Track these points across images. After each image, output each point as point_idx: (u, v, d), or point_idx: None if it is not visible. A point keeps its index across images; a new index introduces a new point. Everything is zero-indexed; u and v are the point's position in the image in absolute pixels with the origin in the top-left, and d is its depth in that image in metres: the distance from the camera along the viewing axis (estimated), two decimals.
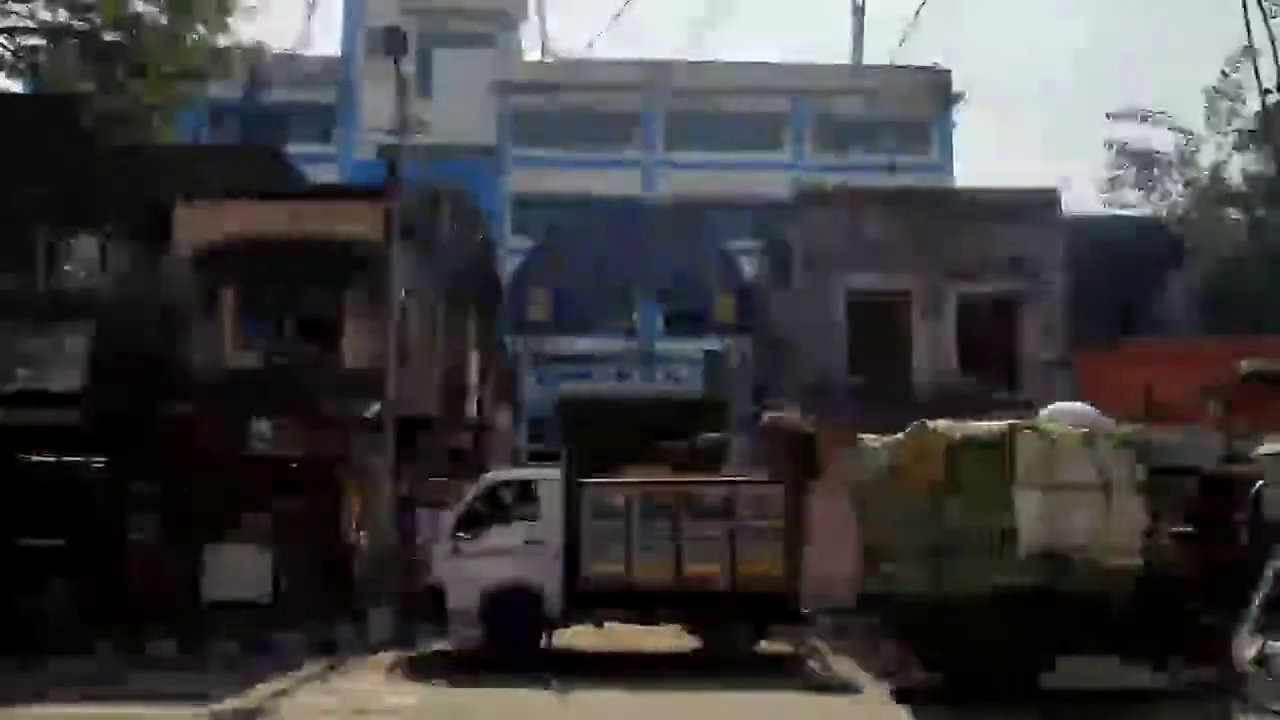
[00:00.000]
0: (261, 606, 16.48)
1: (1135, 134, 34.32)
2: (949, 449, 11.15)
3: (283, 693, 11.21)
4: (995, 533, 10.77)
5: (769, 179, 33.84)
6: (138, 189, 19.10)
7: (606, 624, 14.15)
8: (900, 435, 11.76)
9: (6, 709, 9.99)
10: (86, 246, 16.64)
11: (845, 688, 12.22)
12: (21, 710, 10.04)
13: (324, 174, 33.92)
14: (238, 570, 16.59)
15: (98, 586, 16.13)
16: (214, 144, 27.76)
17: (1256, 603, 5.40)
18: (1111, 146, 29.39)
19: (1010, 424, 11.27)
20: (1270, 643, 4.97)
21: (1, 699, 10.23)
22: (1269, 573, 5.66)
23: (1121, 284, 22.03)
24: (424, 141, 21.17)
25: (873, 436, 12.87)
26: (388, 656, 13.76)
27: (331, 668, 12.93)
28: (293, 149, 25.96)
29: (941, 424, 11.55)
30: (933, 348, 19.02)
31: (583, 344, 38.70)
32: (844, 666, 13.35)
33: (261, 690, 11.19)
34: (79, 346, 16.61)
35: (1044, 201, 19.64)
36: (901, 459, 11.71)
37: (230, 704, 10.42)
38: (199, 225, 17.73)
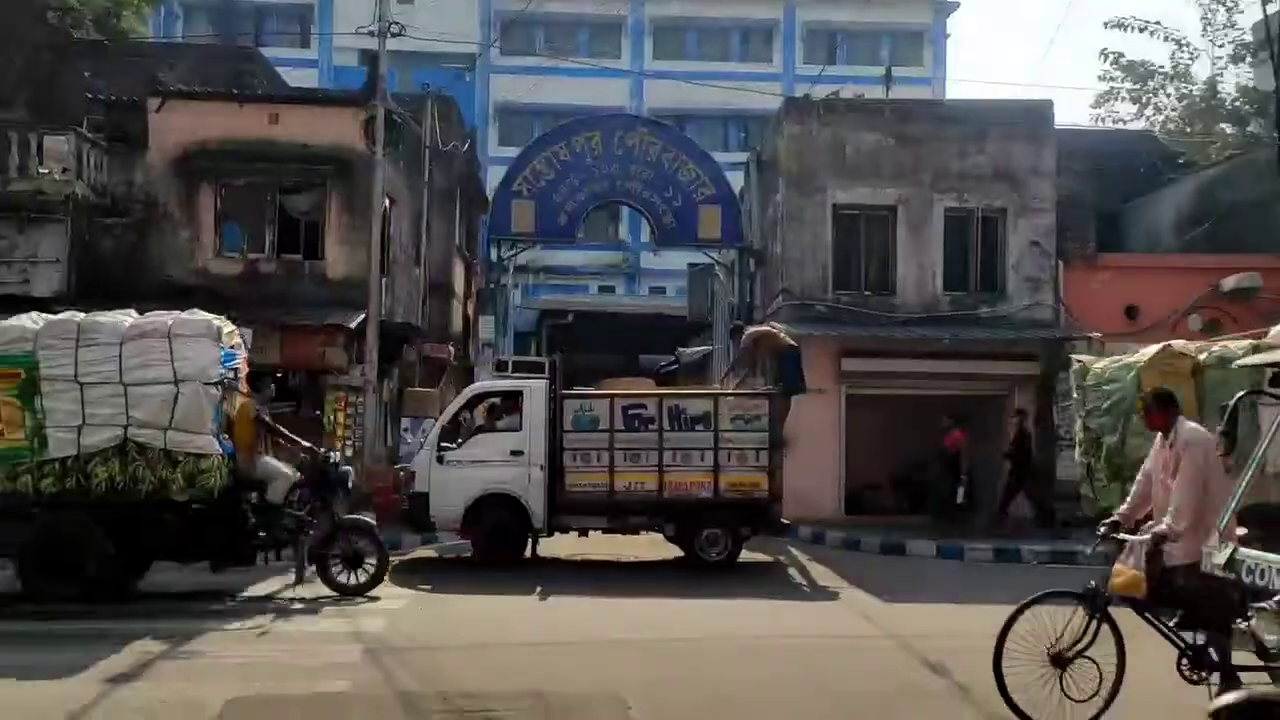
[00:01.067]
0: None
1: (1131, 45, 33.55)
2: (1196, 369, 10.80)
3: (272, 595, 11.33)
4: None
5: (759, 91, 33.34)
6: (110, 87, 18.72)
7: (589, 533, 14.33)
8: (1141, 353, 11.38)
9: None
10: (59, 145, 16.29)
11: (823, 595, 12.42)
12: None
13: (303, 79, 33.31)
14: None
15: None
16: (188, 42, 27.05)
17: (1230, 509, 5.48)
18: (1106, 57, 28.96)
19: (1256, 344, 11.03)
20: (1240, 549, 5.05)
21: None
22: (1241, 482, 5.72)
23: (1110, 196, 21.98)
24: (406, 49, 20.69)
25: (1084, 356, 12.61)
26: None
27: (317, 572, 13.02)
28: (269, 53, 25.38)
29: (1186, 344, 11.20)
30: (919, 262, 18.96)
31: (567, 256, 38.63)
32: (822, 575, 13.56)
33: (251, 591, 11.30)
34: (58, 250, 16.44)
35: (1035, 114, 19.42)
36: (1148, 379, 11.31)
37: (217, 605, 10.53)
38: (175, 126, 17.40)
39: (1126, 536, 6.52)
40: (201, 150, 17.41)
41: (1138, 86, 29.76)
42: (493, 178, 26.85)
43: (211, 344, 10.42)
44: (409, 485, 13.95)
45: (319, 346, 16.72)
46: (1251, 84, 26.66)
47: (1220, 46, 28.54)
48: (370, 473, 15.81)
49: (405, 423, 18.05)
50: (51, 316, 10.72)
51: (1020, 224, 18.99)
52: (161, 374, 10.15)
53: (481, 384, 16.04)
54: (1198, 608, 6.17)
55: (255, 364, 16.71)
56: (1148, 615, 6.39)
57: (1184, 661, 6.28)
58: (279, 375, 18.09)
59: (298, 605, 10.83)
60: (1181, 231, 21.38)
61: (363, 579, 11.14)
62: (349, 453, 16.67)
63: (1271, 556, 4.96)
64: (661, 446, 13.62)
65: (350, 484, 12.01)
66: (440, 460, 13.72)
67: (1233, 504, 5.61)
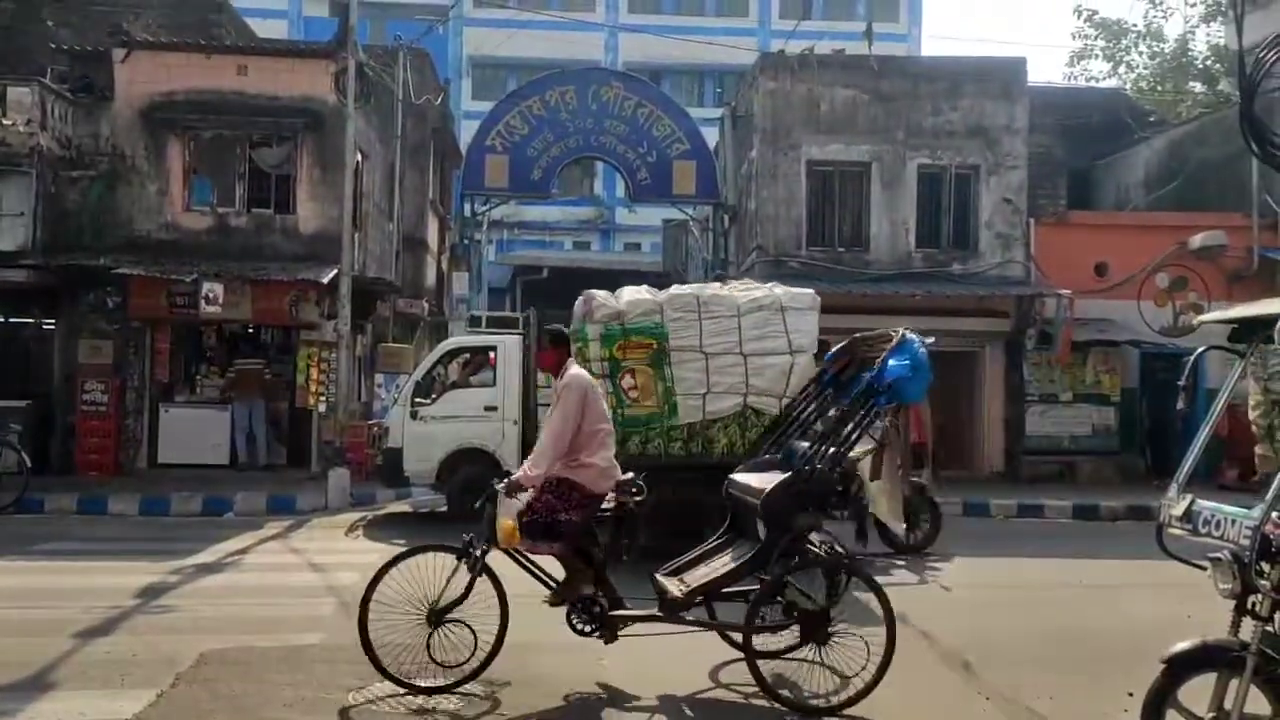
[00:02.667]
0: (219, 469, 16.64)
1: (1104, 3, 33.52)
2: None
3: (244, 551, 11.38)
4: None
5: (735, 46, 33.13)
6: (74, 37, 18.40)
7: None
8: None
9: None
10: (23, 96, 16.02)
11: None
12: None
13: (272, 29, 32.80)
14: (194, 433, 16.65)
15: (49, 448, 16.16)
16: None
17: (1188, 463, 5.59)
18: (1080, 14, 29.01)
19: None
20: (1197, 500, 5.16)
21: None
22: (1200, 436, 5.83)
23: (1081, 154, 22.11)
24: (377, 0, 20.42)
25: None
26: (349, 517, 13.95)
27: (292, 528, 13.09)
28: (238, 2, 24.93)
29: None
30: (892, 218, 19.03)
31: (541, 212, 38.48)
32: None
33: (223, 548, 11.34)
34: (23, 203, 16.22)
35: (1008, 72, 19.43)
36: None
37: (193, 560, 10.56)
38: (142, 77, 17.13)
39: None
40: (169, 102, 17.17)
41: (1111, 44, 29.87)
42: (466, 132, 26.64)
43: (816, 316, 10.98)
44: (383, 440, 13.98)
45: (290, 302, 16.62)
46: (1222, 43, 26.81)
47: (1192, 5, 28.70)
48: (344, 428, 15.80)
49: (379, 378, 18.06)
50: (674, 289, 11.20)
51: (992, 181, 19.08)
52: (778, 345, 10.66)
53: (455, 339, 16.00)
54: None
55: (227, 319, 16.80)
56: (523, 561, 6.56)
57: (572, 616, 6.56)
58: (250, 331, 18.09)
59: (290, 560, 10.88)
60: (1151, 189, 21.57)
61: (917, 538, 11.73)
62: (322, 408, 16.71)
63: (1227, 508, 5.08)
64: None
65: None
66: (414, 416, 13.73)
67: (1191, 456, 5.73)
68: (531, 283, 32.27)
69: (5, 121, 15.94)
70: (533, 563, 6.61)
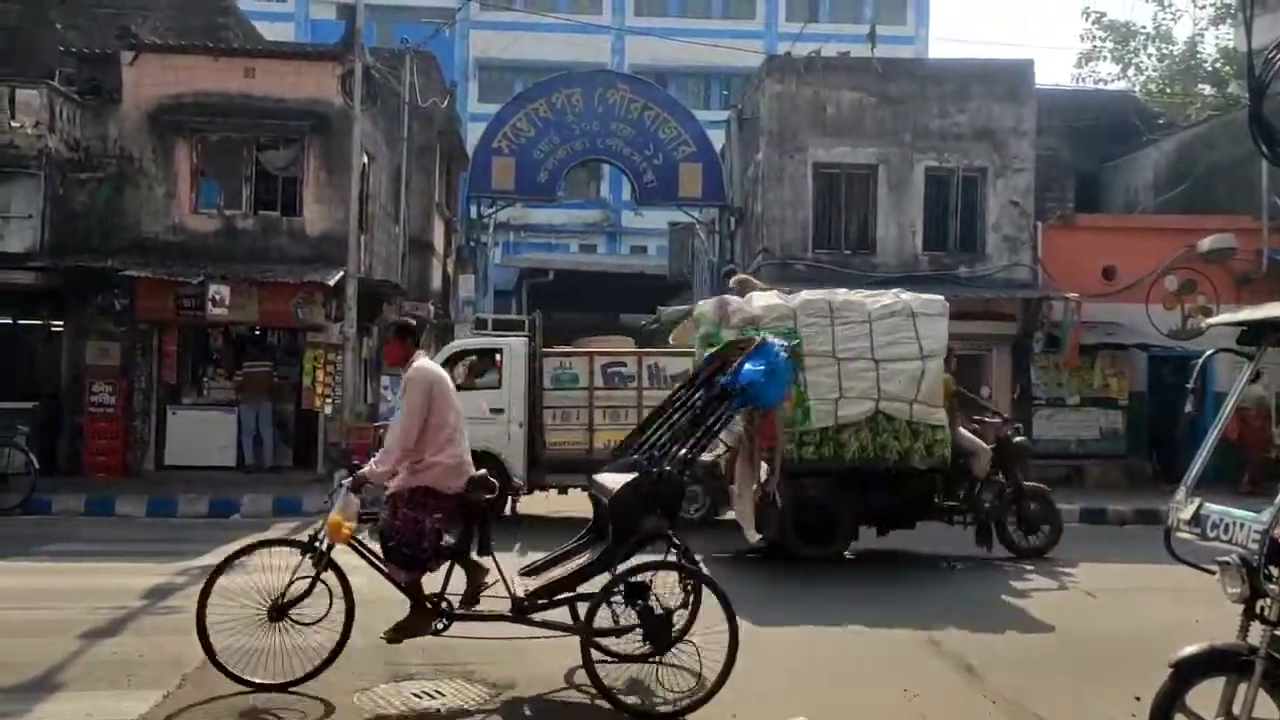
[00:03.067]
0: (226, 470, 16.66)
1: (1113, 5, 33.47)
2: None
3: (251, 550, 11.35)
4: None
5: (741, 49, 33.10)
6: (82, 40, 18.45)
7: (569, 491, 14.40)
8: None
9: None
10: (32, 99, 16.06)
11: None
12: None
13: (279, 32, 32.89)
14: (200, 435, 16.67)
15: (57, 450, 16.18)
16: None
17: (1196, 467, 5.56)
18: (1088, 17, 28.97)
19: None
20: (1206, 504, 5.14)
21: None
22: (1209, 439, 5.80)
23: (1089, 156, 22.08)
24: (384, 3, 20.46)
25: None
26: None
27: (298, 530, 13.09)
28: (245, 5, 25.02)
29: None
30: (898, 221, 19.00)
31: (548, 215, 38.51)
32: None
33: (229, 550, 11.29)
34: (31, 205, 16.27)
35: (1016, 74, 19.40)
36: None
37: (199, 561, 10.54)
38: (149, 80, 17.17)
39: None
40: (176, 104, 17.21)
41: (1119, 47, 29.82)
42: (472, 134, 26.65)
43: (946, 322, 11.05)
44: None
45: (296, 304, 16.64)
46: (1231, 45, 26.74)
47: (1201, 8, 28.64)
48: (350, 430, 15.81)
49: (385, 380, 18.04)
50: (805, 295, 11.29)
51: (999, 184, 19.04)
52: (909, 350, 10.73)
53: (461, 341, 16.01)
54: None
55: (233, 321, 16.82)
56: (358, 549, 6.46)
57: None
58: (257, 332, 18.12)
59: None
60: (1159, 192, 21.51)
61: (1038, 541, 11.62)
62: (328, 410, 16.72)
63: (1236, 512, 5.05)
64: (641, 404, 13.67)
65: (1028, 454, 12.54)
66: None
67: (1199, 459, 5.70)
68: (537, 285, 32.31)
69: (13, 124, 15.99)
70: (372, 554, 6.47)
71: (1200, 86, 28.74)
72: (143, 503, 14.27)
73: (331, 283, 16.15)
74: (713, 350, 7.69)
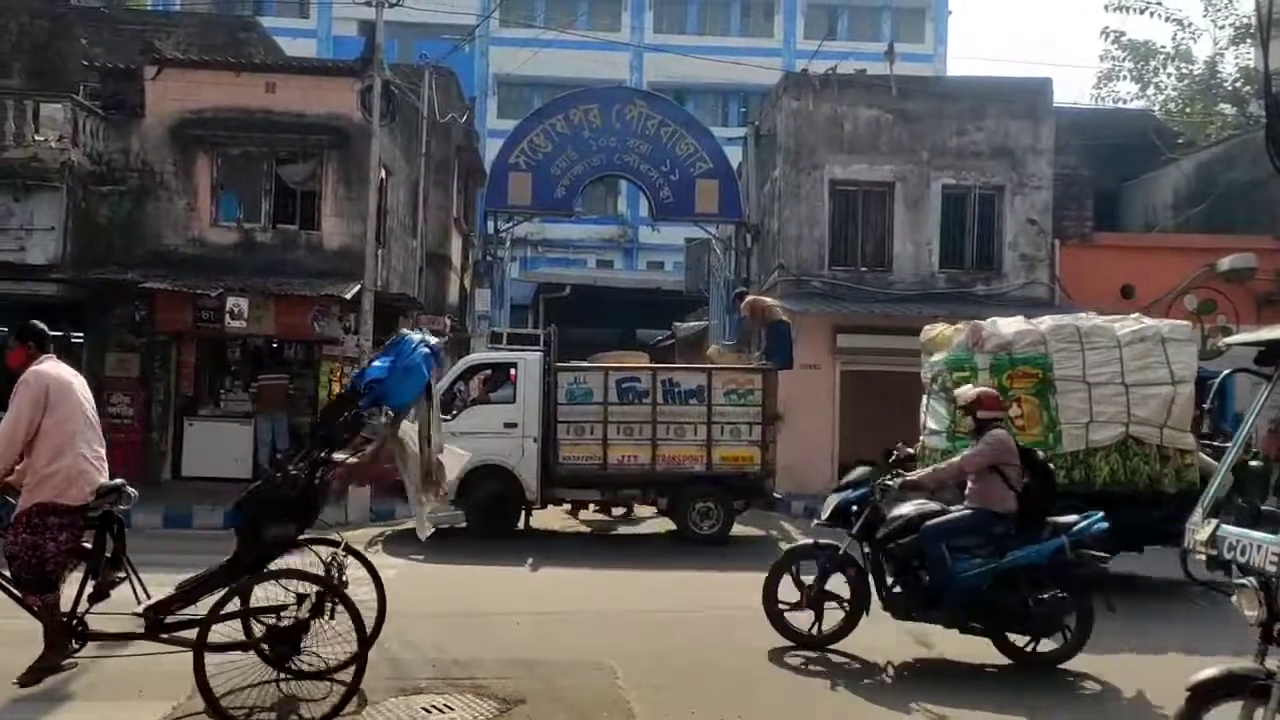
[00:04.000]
0: (242, 482, 16.69)
1: (1132, 25, 33.33)
2: None
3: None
4: None
5: (759, 66, 33.14)
6: (107, 55, 18.64)
7: (582, 505, 14.42)
8: None
9: None
10: (56, 113, 16.23)
11: None
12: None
13: (302, 48, 33.16)
14: (217, 447, 16.73)
15: None
16: (186, 10, 26.87)
17: (1213, 488, 5.52)
18: (1108, 36, 28.87)
19: None
20: (1223, 525, 5.09)
21: None
22: (1226, 459, 5.76)
23: (1108, 175, 21.99)
24: (405, 19, 20.59)
25: None
26: (368, 532, 13.98)
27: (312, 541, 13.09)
28: (268, 22, 25.22)
29: None
30: (915, 239, 18.96)
31: (565, 230, 38.61)
32: None
33: None
34: (54, 218, 16.42)
35: (1034, 92, 19.37)
36: None
37: None
38: (172, 94, 17.32)
39: None
40: (198, 119, 17.35)
41: (1138, 66, 29.72)
42: (491, 150, 26.77)
43: (1196, 348, 11.10)
44: None
45: (313, 317, 16.71)
46: (1251, 65, 26.60)
47: (1221, 28, 28.54)
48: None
49: None
50: (1052, 320, 11.40)
51: (1017, 202, 19.00)
52: (1160, 375, 10.76)
53: (476, 356, 16.04)
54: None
55: (251, 334, 16.91)
56: None
57: None
58: (274, 345, 18.21)
59: None
60: (1179, 211, 21.40)
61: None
62: None
63: (1254, 534, 5.01)
64: (655, 420, 13.67)
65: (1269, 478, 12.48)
66: None
67: (1216, 479, 5.65)
68: (554, 300, 32.36)
69: (37, 137, 16.15)
70: (5, 584, 6.21)
71: (1220, 106, 28.61)
72: (159, 514, 14.32)
73: (348, 296, 16.21)
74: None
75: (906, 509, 7.74)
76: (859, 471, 8.28)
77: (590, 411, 13.71)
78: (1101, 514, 7.66)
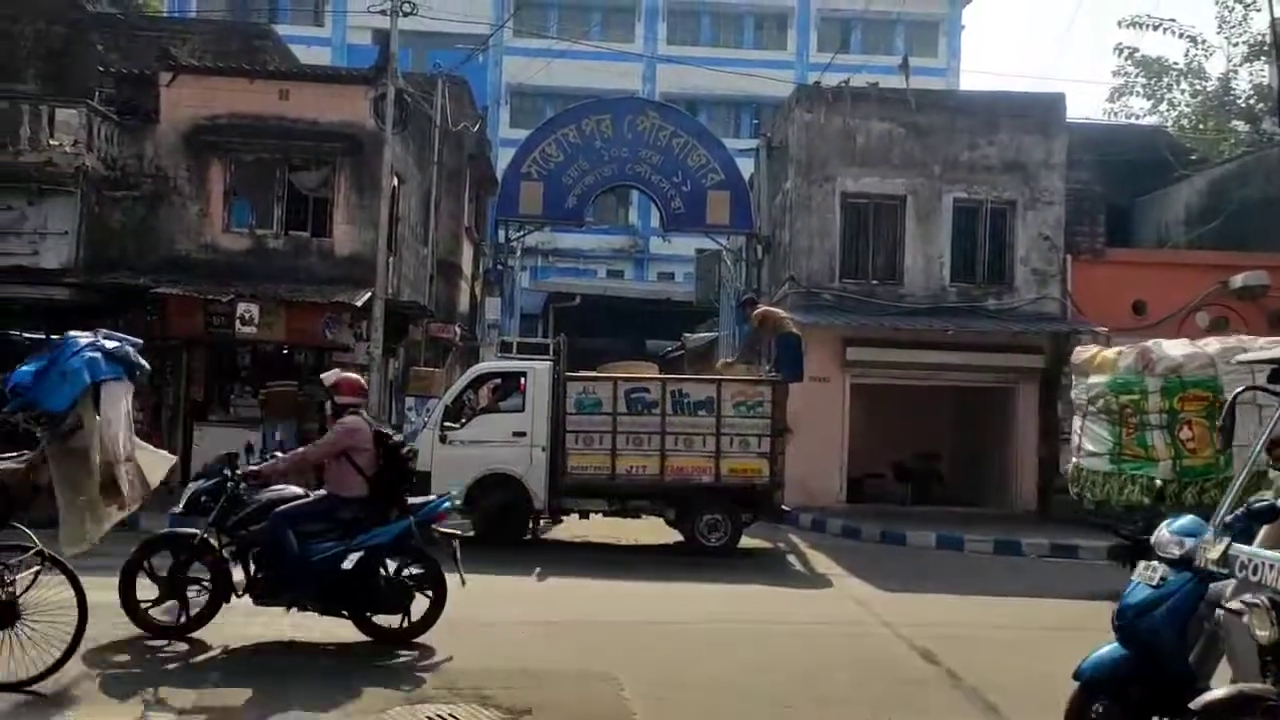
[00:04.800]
0: None
1: (1146, 42, 33.23)
2: None
3: None
4: None
5: (771, 78, 33.15)
6: (122, 61, 18.75)
7: (590, 516, 14.37)
8: None
9: None
10: (70, 118, 16.33)
11: (821, 582, 12.44)
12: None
13: (316, 56, 33.30)
14: (219, 451, 16.69)
15: None
16: (201, 17, 27.06)
17: (1225, 505, 5.49)
18: (1121, 53, 28.84)
19: None
20: (1234, 544, 5.06)
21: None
22: (1238, 478, 5.74)
23: (1120, 191, 21.92)
24: (419, 28, 20.67)
25: None
26: None
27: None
28: (283, 30, 25.34)
29: None
30: (926, 252, 18.92)
31: (575, 240, 38.68)
32: (821, 563, 13.60)
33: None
34: (67, 222, 16.50)
35: (1046, 107, 19.34)
36: None
37: None
38: (186, 101, 17.41)
39: None
40: (212, 125, 17.43)
41: (1151, 82, 29.67)
42: (503, 159, 26.82)
43: None
44: (411, 464, 13.94)
45: (324, 323, 16.74)
46: (1265, 82, 26.54)
47: (1234, 45, 28.45)
48: None
49: (410, 401, 18.12)
50: (1220, 342, 11.48)
51: (1029, 216, 18.95)
52: None
53: (486, 364, 16.09)
54: None
55: (261, 340, 16.94)
56: None
57: None
58: (284, 352, 18.25)
59: None
60: (1191, 228, 21.33)
61: None
62: None
63: (1266, 553, 4.98)
64: (664, 430, 13.64)
65: None
66: (443, 440, 13.75)
67: (1228, 498, 5.62)
68: (564, 310, 32.42)
69: (52, 142, 16.24)
70: None
71: (1234, 123, 28.54)
72: (167, 520, 14.30)
73: (359, 303, 16.25)
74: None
75: (263, 496, 8.02)
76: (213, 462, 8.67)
77: (599, 421, 13.70)
78: (450, 495, 8.64)
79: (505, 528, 13.67)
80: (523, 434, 13.76)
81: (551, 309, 33.16)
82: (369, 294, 16.19)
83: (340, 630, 8.68)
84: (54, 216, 16.46)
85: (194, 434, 17.16)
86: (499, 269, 22.37)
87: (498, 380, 14.80)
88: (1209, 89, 29.22)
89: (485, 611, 9.76)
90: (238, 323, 16.03)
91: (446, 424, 13.88)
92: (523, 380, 14.08)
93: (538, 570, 12.06)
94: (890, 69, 23.32)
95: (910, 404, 19.06)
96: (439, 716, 6.42)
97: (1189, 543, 5.27)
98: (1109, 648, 5.46)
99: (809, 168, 18.97)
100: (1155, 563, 5.40)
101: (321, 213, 17.80)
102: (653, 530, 14.68)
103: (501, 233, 21.72)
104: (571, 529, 14.88)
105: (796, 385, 14.69)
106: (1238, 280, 18.39)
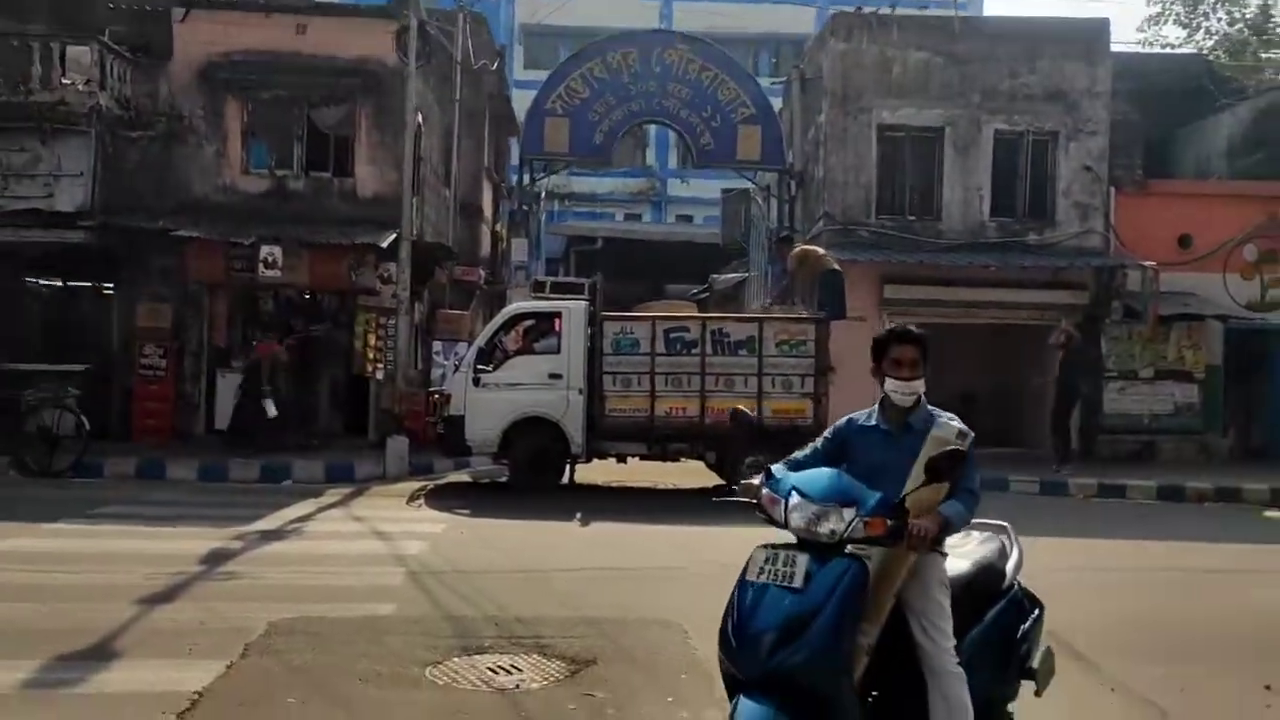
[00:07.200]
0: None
1: None
2: None
3: (306, 518, 11.10)
4: None
5: (790, 15, 32.38)
6: None
7: (629, 459, 13.99)
8: None
9: (30, 524, 9.86)
10: (82, 56, 15.78)
11: None
12: (46, 526, 9.91)
13: None
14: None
15: (106, 413, 15.94)
16: None
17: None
18: None
19: None
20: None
21: (21, 518, 10.11)
22: None
23: (1160, 122, 21.16)
24: None
25: None
26: (408, 486, 13.66)
27: (351, 496, 12.81)
28: None
29: None
30: (965, 185, 18.30)
31: (592, 183, 37.99)
32: None
33: (284, 515, 11.06)
34: (81, 164, 16.02)
35: (1090, 33, 18.60)
36: None
37: (255, 526, 10.29)
38: (200, 37, 16.81)
39: None
40: (227, 62, 16.83)
41: (1188, 9, 28.77)
42: (518, 102, 26.06)
43: None
44: (444, 409, 13.61)
45: (349, 266, 16.29)
46: None
47: None
48: (402, 396, 15.48)
49: (436, 345, 17.70)
50: None
51: (1071, 148, 18.28)
52: None
53: (519, 305, 15.59)
54: None
55: (285, 284, 16.52)
56: None
57: None
58: (308, 296, 17.84)
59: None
60: (1234, 159, 20.59)
61: None
62: (379, 376, 16.41)
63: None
64: (704, 371, 13.23)
65: None
66: (476, 383, 13.34)
67: None
68: (585, 253, 31.89)
69: (64, 80, 15.71)
70: None
71: (1272, 52, 27.68)
72: (194, 467, 14.05)
73: (384, 244, 15.79)
74: None
75: None
76: None
77: (637, 362, 13.29)
78: None
79: (541, 472, 13.32)
80: (559, 376, 13.35)
81: (573, 253, 32.61)
82: (394, 235, 15.69)
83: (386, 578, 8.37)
84: (68, 158, 15.96)
85: (216, 380, 16.81)
86: (524, 210, 21.79)
87: (531, 321, 14.33)
88: (1247, 16, 28.32)
89: (532, 557, 9.44)
90: (260, 266, 15.57)
91: (479, 367, 13.47)
92: (558, 321, 13.63)
93: (579, 515, 11.72)
94: (913, 2, 22.47)
95: (946, 343, 18.49)
96: (500, 668, 6.08)
97: (847, 514, 3.78)
98: (747, 713, 3.57)
99: (844, 99, 18.30)
100: (790, 550, 3.82)
101: (342, 152, 17.25)
102: (690, 474, 14.32)
103: (525, 172, 21.12)
104: (610, 473, 14.49)
105: (835, 324, 14.22)
106: None
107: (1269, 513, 13.60)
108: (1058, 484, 14.86)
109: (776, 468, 4.24)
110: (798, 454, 4.43)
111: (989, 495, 13.56)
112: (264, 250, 15.51)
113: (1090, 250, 18.09)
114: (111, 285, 17.05)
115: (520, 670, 6.04)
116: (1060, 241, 18.20)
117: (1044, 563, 9.74)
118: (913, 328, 4.41)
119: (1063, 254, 17.98)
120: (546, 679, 5.92)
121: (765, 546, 3.92)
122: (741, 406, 4.49)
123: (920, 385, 4.27)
